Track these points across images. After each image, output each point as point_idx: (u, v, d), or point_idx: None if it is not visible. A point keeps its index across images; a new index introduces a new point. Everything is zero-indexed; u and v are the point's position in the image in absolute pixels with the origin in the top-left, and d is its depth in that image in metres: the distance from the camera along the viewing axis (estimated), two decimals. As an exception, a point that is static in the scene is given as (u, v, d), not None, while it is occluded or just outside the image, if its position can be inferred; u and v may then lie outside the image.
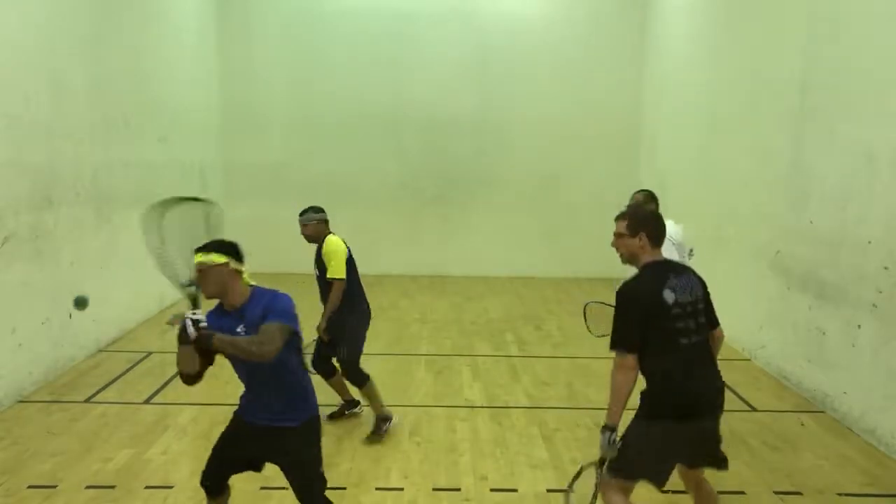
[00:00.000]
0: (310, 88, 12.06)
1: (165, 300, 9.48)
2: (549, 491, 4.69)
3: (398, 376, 7.00)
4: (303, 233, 5.81)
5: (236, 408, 3.64)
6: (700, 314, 3.45)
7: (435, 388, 6.69)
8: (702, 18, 9.74)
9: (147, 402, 6.19)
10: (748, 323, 7.65)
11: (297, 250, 12.32)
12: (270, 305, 3.30)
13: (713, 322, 3.57)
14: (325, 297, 5.53)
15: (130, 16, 8.54)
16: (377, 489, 4.70)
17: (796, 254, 6.83)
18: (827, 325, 6.24)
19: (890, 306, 5.38)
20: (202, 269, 3.39)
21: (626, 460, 3.45)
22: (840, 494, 4.74)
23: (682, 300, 3.37)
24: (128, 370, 6.98)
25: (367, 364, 7.36)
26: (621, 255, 3.64)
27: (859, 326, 5.75)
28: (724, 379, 3.56)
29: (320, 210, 5.91)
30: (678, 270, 3.49)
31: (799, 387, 6.71)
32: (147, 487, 4.64)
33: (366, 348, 7.96)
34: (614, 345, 3.48)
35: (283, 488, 4.64)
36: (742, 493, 4.73)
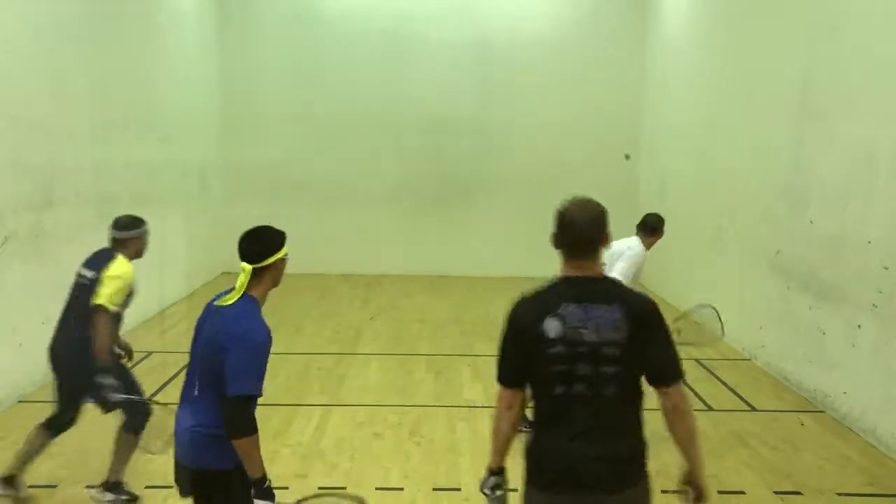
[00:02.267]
0: (310, 88, 12.06)
1: (165, 300, 9.49)
2: (549, 491, 4.69)
3: (398, 376, 7.00)
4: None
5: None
6: (608, 361, 2.54)
7: (435, 388, 6.69)
8: (702, 18, 9.75)
9: (147, 402, 6.17)
10: (748, 323, 7.65)
11: (297, 250, 12.41)
12: None
13: (654, 376, 2.66)
14: None
15: (130, 16, 8.54)
16: (377, 489, 4.69)
17: (796, 254, 6.83)
18: (827, 325, 6.24)
19: (890, 306, 5.38)
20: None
21: None
22: (840, 494, 4.74)
23: (574, 337, 2.51)
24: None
25: (367, 364, 7.40)
26: None
27: (859, 326, 5.75)
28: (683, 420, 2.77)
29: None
30: (594, 295, 2.56)
31: (799, 387, 6.71)
32: (147, 487, 4.64)
33: (366, 348, 8.04)
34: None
35: (284, 488, 4.66)
36: (742, 493, 4.73)
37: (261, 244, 3.01)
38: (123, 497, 4.48)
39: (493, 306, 10.23)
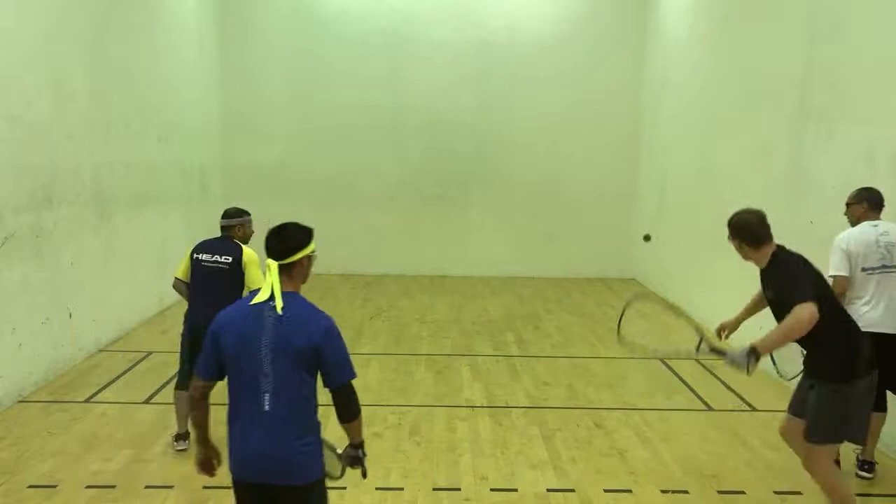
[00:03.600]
0: (310, 88, 12.06)
1: (165, 300, 9.49)
2: (549, 491, 4.69)
3: (398, 376, 7.00)
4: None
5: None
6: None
7: (435, 388, 6.69)
8: (702, 18, 9.74)
9: (147, 402, 6.19)
10: (748, 323, 7.62)
11: (297, 250, 12.42)
12: None
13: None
14: None
15: (130, 16, 8.54)
16: (377, 489, 4.69)
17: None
18: (827, 325, 6.22)
19: (890, 306, 5.37)
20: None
21: None
22: (840, 494, 4.74)
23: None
24: (128, 370, 6.98)
25: (368, 364, 7.39)
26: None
27: (859, 326, 5.74)
28: None
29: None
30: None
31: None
32: (147, 487, 4.64)
33: (366, 348, 8.04)
34: None
35: (283, 488, 4.66)
36: (742, 492, 4.73)
37: (289, 240, 2.98)
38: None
39: (493, 306, 10.24)
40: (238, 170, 12.02)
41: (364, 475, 3.28)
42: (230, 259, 5.07)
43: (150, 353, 7.51)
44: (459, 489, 4.71)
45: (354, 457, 3.18)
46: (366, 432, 5.50)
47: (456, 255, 12.42)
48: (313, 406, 3.00)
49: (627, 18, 12.04)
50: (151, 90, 9.15)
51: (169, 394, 6.37)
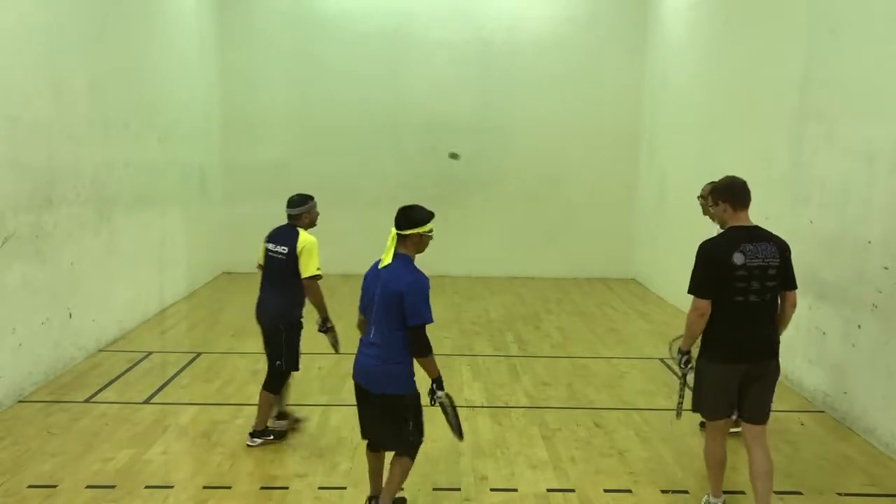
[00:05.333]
0: (310, 88, 12.06)
1: (165, 300, 9.50)
2: (549, 491, 4.69)
3: (398, 376, 6.99)
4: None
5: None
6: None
7: (427, 388, 6.67)
8: (702, 18, 9.75)
9: (147, 402, 6.19)
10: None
11: (297, 250, 12.43)
12: None
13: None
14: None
15: (130, 16, 8.54)
16: (377, 489, 4.69)
17: (796, 254, 6.80)
18: (827, 325, 6.24)
19: (890, 306, 5.38)
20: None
21: None
22: (840, 494, 4.75)
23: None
24: (128, 370, 6.98)
25: (367, 364, 7.39)
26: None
27: (859, 326, 5.75)
28: None
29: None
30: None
31: (799, 387, 6.71)
32: (147, 487, 4.64)
33: (366, 348, 8.01)
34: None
35: (284, 488, 4.67)
36: (742, 493, 4.73)
37: (407, 217, 4.13)
38: (278, 431, 5.42)
39: (493, 306, 10.24)
40: (238, 170, 12.02)
41: (451, 413, 4.31)
42: (286, 249, 5.25)
43: (150, 353, 7.51)
44: (459, 489, 4.71)
45: (431, 392, 4.17)
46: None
47: (456, 255, 12.40)
48: (399, 338, 3.95)
49: (627, 18, 12.04)
50: (151, 90, 9.15)
51: (169, 394, 6.41)
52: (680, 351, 4.33)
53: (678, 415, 4.49)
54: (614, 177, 12.28)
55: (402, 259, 4.06)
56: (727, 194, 4.14)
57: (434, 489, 4.70)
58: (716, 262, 3.98)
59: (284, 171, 12.09)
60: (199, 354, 7.50)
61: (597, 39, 12.07)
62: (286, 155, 12.09)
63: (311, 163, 12.09)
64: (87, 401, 6.15)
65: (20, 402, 6.06)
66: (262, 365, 7.33)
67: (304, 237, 5.27)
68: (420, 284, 3.97)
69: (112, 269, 7.90)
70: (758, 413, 4.25)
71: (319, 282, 5.28)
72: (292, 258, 5.18)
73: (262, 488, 4.66)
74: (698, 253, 4.08)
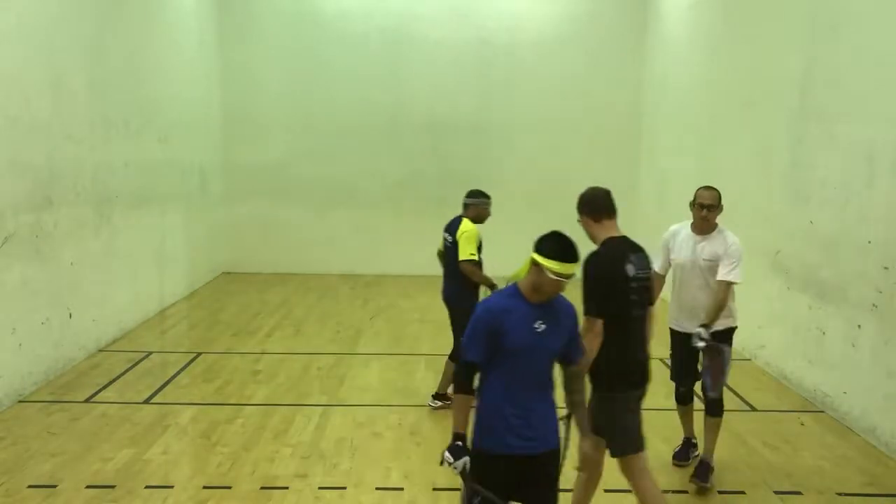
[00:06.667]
0: (310, 89, 12.05)
1: (165, 300, 9.50)
2: (549, 491, 4.68)
3: (398, 376, 7.00)
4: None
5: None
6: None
7: (435, 388, 6.68)
8: (702, 18, 9.74)
9: (147, 402, 6.19)
10: (748, 323, 7.60)
11: (297, 250, 12.43)
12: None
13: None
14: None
15: (130, 16, 8.53)
16: (377, 489, 4.69)
17: (796, 254, 6.83)
18: (827, 325, 6.24)
19: (890, 306, 5.38)
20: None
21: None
22: (840, 494, 4.74)
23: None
24: (128, 370, 6.98)
25: (367, 364, 7.40)
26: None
27: (859, 326, 5.75)
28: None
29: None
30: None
31: (799, 387, 6.70)
32: (147, 487, 4.64)
33: (366, 348, 8.04)
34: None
35: (284, 488, 4.67)
36: (742, 493, 4.73)
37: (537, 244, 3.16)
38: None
39: (493, 306, 10.22)
40: (238, 169, 12.02)
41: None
42: (451, 237, 5.86)
43: (150, 353, 7.51)
44: (459, 489, 4.69)
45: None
46: (366, 432, 5.57)
47: (456, 255, 12.41)
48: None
49: (627, 18, 12.03)
50: (151, 90, 9.15)
51: (169, 394, 6.41)
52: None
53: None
54: (614, 177, 12.19)
55: (508, 287, 3.23)
56: (587, 207, 3.82)
57: (434, 489, 4.70)
58: (612, 276, 3.65)
59: (284, 171, 12.11)
60: (198, 354, 7.50)
61: (597, 39, 12.06)
62: (286, 155, 12.09)
63: (311, 163, 12.10)
64: (87, 401, 6.15)
65: (20, 402, 6.05)
66: (262, 365, 7.38)
67: (465, 226, 5.78)
68: (475, 311, 3.19)
69: (112, 268, 7.90)
70: (642, 440, 3.96)
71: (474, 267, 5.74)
72: (455, 245, 5.77)
73: (262, 488, 4.66)
74: (590, 269, 3.64)
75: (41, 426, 5.57)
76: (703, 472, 4.75)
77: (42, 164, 6.53)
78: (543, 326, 3.09)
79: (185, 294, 10.26)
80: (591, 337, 3.62)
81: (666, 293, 5.08)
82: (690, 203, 5.04)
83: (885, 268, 5.42)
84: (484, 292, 5.65)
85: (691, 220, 5.06)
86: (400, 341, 8.35)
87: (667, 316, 5.04)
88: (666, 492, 4.72)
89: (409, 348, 8.04)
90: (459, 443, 3.10)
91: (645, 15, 11.84)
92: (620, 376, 3.78)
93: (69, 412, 5.86)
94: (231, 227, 11.89)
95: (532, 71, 12.07)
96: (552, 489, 3.33)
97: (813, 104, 6.58)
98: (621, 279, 3.66)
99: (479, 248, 5.87)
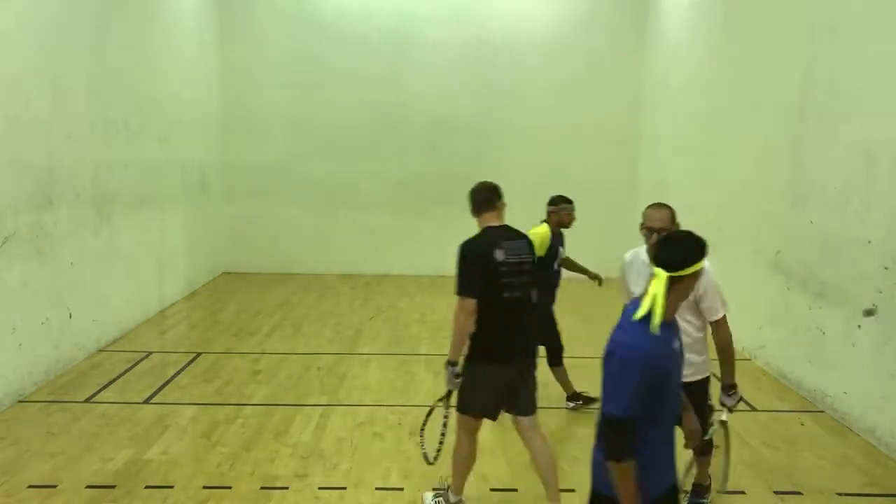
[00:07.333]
0: (310, 88, 12.04)
1: (165, 300, 9.50)
2: (549, 491, 4.68)
3: (398, 376, 7.00)
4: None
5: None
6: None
7: (435, 388, 6.66)
8: (702, 18, 9.75)
9: (147, 402, 6.19)
10: (748, 323, 7.64)
11: (297, 250, 12.43)
12: None
13: None
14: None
15: (130, 16, 8.53)
16: (377, 489, 4.70)
17: (796, 254, 6.83)
18: (827, 325, 6.24)
19: (890, 306, 5.38)
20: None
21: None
22: (840, 494, 4.74)
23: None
24: (128, 370, 6.98)
25: (367, 364, 7.40)
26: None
27: (859, 326, 5.75)
28: None
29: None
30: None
31: (799, 387, 6.71)
32: (147, 487, 4.64)
33: (366, 348, 8.04)
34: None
35: (284, 488, 4.66)
36: (742, 493, 4.73)
37: (678, 252, 2.63)
38: (586, 397, 6.13)
39: (493, 306, 10.22)
40: (238, 169, 12.02)
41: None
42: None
43: (150, 353, 7.51)
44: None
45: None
46: (366, 432, 5.58)
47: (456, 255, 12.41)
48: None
49: (627, 19, 12.03)
50: (151, 90, 9.15)
51: (169, 394, 6.41)
52: (450, 363, 4.18)
53: (432, 460, 4.40)
54: (614, 177, 12.26)
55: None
56: (470, 204, 4.49)
57: (434, 489, 4.69)
58: (479, 260, 4.11)
59: (284, 170, 12.11)
60: (198, 354, 7.50)
61: (597, 40, 12.06)
62: (286, 155, 12.10)
63: (311, 163, 12.10)
64: (87, 401, 6.15)
65: (20, 402, 6.05)
66: (262, 365, 7.38)
67: (535, 230, 5.90)
68: (623, 352, 2.55)
69: (112, 268, 7.90)
70: (528, 407, 4.32)
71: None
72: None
73: (262, 488, 4.66)
74: (461, 252, 4.19)
75: (41, 426, 5.57)
76: (700, 491, 4.54)
77: (42, 164, 6.53)
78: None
79: (185, 294, 10.26)
80: (460, 314, 4.05)
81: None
82: (640, 225, 4.14)
83: (885, 268, 5.42)
84: None
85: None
86: (400, 341, 8.34)
87: None
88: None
89: (409, 348, 8.04)
90: None
91: (645, 15, 11.84)
92: (483, 351, 4.12)
93: (69, 412, 5.86)
94: (231, 226, 11.89)
95: (532, 71, 12.07)
96: None
97: (813, 104, 6.58)
98: (490, 263, 4.09)
99: (554, 252, 6.27)
